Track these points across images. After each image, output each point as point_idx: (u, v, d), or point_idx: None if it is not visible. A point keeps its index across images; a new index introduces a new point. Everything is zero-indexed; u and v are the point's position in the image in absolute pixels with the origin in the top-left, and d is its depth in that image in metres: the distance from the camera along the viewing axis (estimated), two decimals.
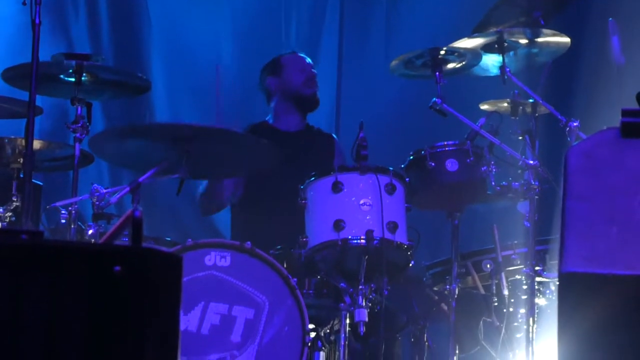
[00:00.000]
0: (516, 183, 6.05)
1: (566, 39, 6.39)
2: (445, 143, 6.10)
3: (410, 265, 5.97)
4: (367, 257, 5.67)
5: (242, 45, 8.24)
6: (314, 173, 5.92)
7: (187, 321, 5.38)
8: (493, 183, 6.09)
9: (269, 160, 6.21)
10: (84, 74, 5.73)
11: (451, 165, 6.01)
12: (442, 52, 6.23)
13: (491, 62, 6.36)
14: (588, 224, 2.69)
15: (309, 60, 7.23)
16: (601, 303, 2.70)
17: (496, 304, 6.16)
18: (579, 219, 2.70)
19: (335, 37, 8.36)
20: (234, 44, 8.26)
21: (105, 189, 5.56)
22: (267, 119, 7.15)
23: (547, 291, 6.04)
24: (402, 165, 6.10)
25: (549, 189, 6.00)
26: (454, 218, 6.28)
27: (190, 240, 5.53)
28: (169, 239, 5.85)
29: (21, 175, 5.73)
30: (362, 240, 5.65)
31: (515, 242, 6.18)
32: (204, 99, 7.46)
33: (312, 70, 7.16)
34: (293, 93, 7.00)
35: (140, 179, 5.51)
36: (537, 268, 5.89)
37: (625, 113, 2.77)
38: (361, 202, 5.75)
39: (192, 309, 5.43)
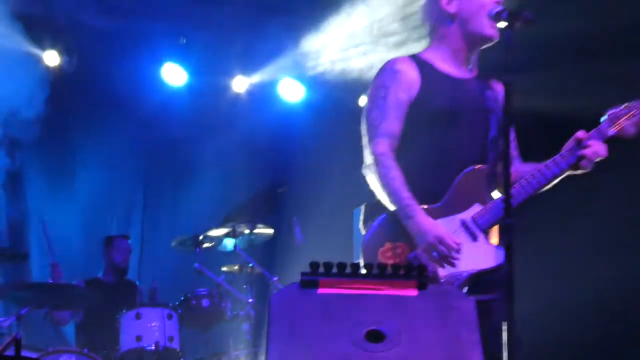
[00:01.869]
0: (242, 312, 6.30)
1: (271, 230, 6.69)
2: (202, 290, 6.37)
3: None
4: (155, 358, 5.84)
5: (86, 227, 7.91)
6: (124, 308, 6.01)
7: None
8: (229, 313, 6.36)
9: (92, 301, 6.26)
10: None
11: (205, 302, 6.30)
12: (201, 237, 6.53)
13: (229, 242, 6.65)
14: (286, 338, 2.64)
15: (129, 241, 7.17)
16: None
17: None
18: (278, 336, 2.64)
19: (139, 224, 8.32)
20: (81, 227, 7.89)
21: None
22: (99, 275, 7.03)
23: None
24: (177, 303, 6.29)
25: (260, 316, 6.14)
26: (207, 333, 6.45)
27: (50, 347, 5.44)
28: (38, 346, 5.53)
29: None
30: (152, 347, 5.85)
31: (242, 346, 6.28)
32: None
33: (127, 252, 7.07)
34: (114, 265, 6.99)
35: (22, 312, 5.55)
36: None
37: (303, 274, 2.77)
38: (152, 324, 5.95)
39: None
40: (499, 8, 3.27)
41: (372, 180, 3.47)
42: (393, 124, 3.45)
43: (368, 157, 3.50)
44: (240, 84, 8.14)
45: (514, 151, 3.66)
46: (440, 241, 3.27)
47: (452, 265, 3.29)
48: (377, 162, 3.42)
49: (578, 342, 6.97)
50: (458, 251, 3.30)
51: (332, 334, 2.61)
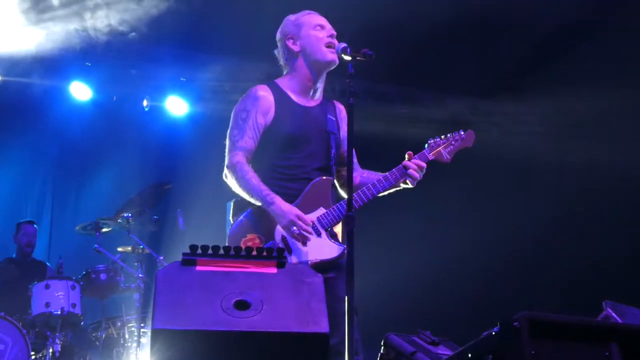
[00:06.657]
0: (134, 285, 6.39)
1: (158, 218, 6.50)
2: (100, 266, 6.47)
3: (82, 323, 6.25)
4: (60, 320, 5.92)
5: (5, 215, 7.87)
6: (35, 280, 6.07)
7: None
8: (122, 285, 6.47)
9: (7, 275, 6.54)
10: None
11: (103, 276, 6.45)
12: (100, 222, 6.58)
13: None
14: (169, 305, 2.64)
15: (35, 226, 7.04)
16: (180, 349, 2.54)
17: (122, 341, 6.28)
18: (163, 304, 2.66)
19: (49, 213, 8.37)
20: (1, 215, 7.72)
21: None
22: (13, 255, 6.97)
23: (147, 335, 6.14)
24: (80, 276, 6.33)
25: (148, 288, 6.23)
26: (104, 301, 6.55)
27: None
28: None
29: None
30: (59, 312, 5.97)
31: (132, 312, 6.42)
32: None
33: (32, 236, 7.00)
34: (21, 247, 6.95)
35: None
36: (142, 324, 6.15)
37: (184, 254, 2.79)
38: (59, 293, 6.09)
39: None
40: (343, 44, 3.36)
41: (233, 184, 3.50)
42: (248, 142, 3.55)
43: (226, 167, 3.55)
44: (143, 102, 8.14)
45: (354, 159, 3.70)
46: (299, 218, 3.37)
47: (307, 239, 3.37)
48: (234, 169, 3.48)
49: (406, 308, 7.71)
50: (312, 228, 3.41)
51: (207, 303, 2.62)
